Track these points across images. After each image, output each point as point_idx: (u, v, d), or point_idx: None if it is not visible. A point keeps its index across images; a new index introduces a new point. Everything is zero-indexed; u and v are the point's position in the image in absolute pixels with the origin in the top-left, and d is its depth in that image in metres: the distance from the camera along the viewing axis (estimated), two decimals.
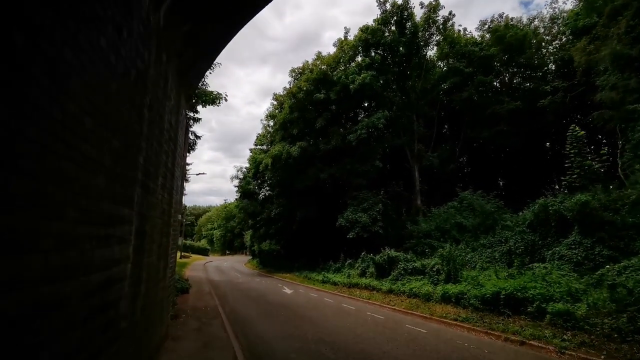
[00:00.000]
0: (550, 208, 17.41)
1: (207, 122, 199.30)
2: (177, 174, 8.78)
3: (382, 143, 29.66)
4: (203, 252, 70.52)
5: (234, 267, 44.43)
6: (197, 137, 32.87)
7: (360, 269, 21.98)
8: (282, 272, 33.57)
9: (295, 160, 30.41)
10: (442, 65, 33.73)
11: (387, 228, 26.46)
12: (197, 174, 25.56)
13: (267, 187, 41.23)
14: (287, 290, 20.69)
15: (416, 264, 17.99)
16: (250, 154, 41.53)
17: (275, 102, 37.27)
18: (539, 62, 30.68)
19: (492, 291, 11.14)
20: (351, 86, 28.18)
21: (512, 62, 30.34)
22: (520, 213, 20.18)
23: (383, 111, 27.67)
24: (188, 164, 36.93)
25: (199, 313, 12.19)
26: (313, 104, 30.61)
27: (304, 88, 30.38)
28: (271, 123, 39.89)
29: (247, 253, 66.42)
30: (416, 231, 24.22)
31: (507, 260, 17.65)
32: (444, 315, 11.71)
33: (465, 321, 10.73)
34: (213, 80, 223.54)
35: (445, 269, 15.55)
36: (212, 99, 22.89)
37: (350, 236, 25.23)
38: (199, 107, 25.88)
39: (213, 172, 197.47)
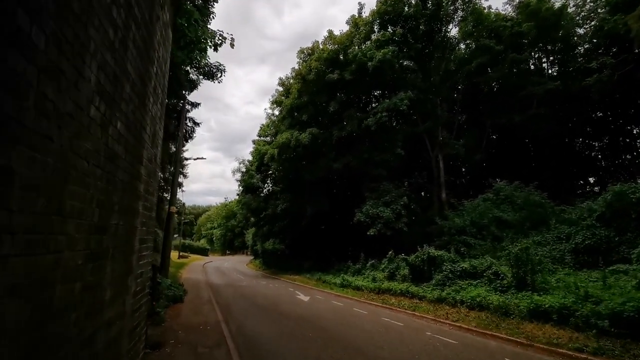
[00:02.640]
0: (632, 196, 13.80)
1: (206, 121, 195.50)
2: (157, 111, 5.03)
3: (404, 128, 25.97)
4: (202, 252, 66.54)
5: (235, 267, 40.57)
6: (196, 123, 29.14)
7: (387, 271, 18.25)
8: (289, 273, 29.76)
9: (305, 149, 26.67)
10: (464, 48, 30.08)
11: (412, 224, 22.76)
12: (195, 159, 21.66)
13: (271, 182, 37.46)
14: (302, 297, 16.93)
15: (464, 265, 14.29)
16: (253, 146, 37.73)
17: (281, 88, 33.51)
18: (576, 40, 27.09)
19: (635, 306, 7.42)
20: (369, 64, 24.49)
21: (547, 40, 26.72)
22: (585, 204, 16.54)
23: (405, 92, 23.98)
24: (186, 159, 33.15)
25: (195, 335, 8.42)
26: (325, 86, 26.89)
27: (315, 68, 26.64)
28: (276, 112, 36.15)
29: (249, 253, 62.53)
30: (447, 227, 20.57)
31: (573, 261, 14.02)
32: (553, 341, 7.92)
33: (601, 354, 7.00)
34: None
35: (513, 271, 11.84)
36: (211, 68, 19.27)
37: (371, 233, 21.51)
38: (197, 81, 22.23)
39: (212, 173, 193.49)
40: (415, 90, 25.54)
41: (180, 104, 20.02)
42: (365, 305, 14.58)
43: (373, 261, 20.81)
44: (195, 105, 28.97)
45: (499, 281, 12.34)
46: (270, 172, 36.19)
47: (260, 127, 39.09)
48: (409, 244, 21.23)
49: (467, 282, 13.44)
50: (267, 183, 37.50)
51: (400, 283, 16.22)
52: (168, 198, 20.35)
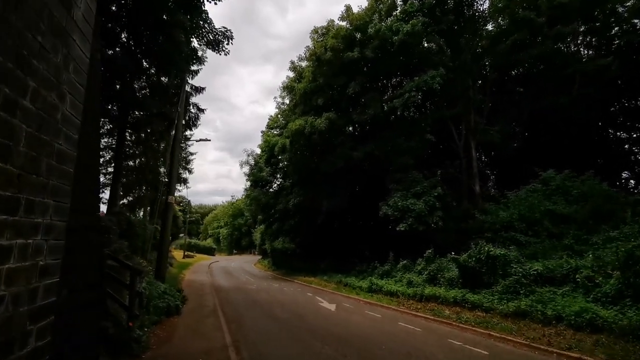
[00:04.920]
0: None
1: (212, 121, 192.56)
2: None
3: (433, 112, 22.67)
4: (209, 251, 63.45)
5: (243, 268, 37.42)
6: (200, 110, 26.18)
7: (426, 273, 14.98)
8: (302, 274, 26.51)
9: (321, 136, 23.45)
10: (495, 26, 26.70)
11: (445, 219, 19.47)
12: (197, 140, 18.67)
13: (281, 176, 34.24)
14: (327, 305, 13.70)
15: (537, 267, 10.99)
16: (262, 137, 34.53)
17: (292, 74, 30.31)
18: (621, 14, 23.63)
19: None
20: (394, 38, 21.26)
21: (594, 13, 23.30)
22: None
23: (437, 69, 20.69)
24: (187, 138, 30.04)
25: None
26: (343, 66, 23.64)
27: (332, 47, 23.43)
28: (287, 101, 32.96)
29: (256, 252, 59.36)
30: (489, 222, 17.29)
31: None
32: None
33: None
34: (216, 79, 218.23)
35: (622, 276, 8.54)
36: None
37: (402, 228, 18.24)
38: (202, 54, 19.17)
39: (218, 173, 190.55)
40: (445, 70, 22.24)
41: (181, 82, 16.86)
42: (411, 318, 11.30)
43: (405, 261, 17.56)
44: (199, 90, 25.86)
45: (598, 289, 9.03)
46: (281, 165, 33.01)
47: (269, 118, 36.00)
48: (442, 241, 18.00)
49: (547, 289, 10.14)
50: (277, 177, 34.29)
51: (447, 289, 12.93)
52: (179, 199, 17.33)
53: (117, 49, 16.27)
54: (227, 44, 16.30)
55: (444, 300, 12.17)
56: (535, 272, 10.77)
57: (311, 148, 25.29)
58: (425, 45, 24.02)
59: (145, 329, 7.65)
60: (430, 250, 15.78)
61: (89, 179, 3.75)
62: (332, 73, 24.29)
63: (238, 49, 40.96)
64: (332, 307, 13.22)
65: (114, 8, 15.03)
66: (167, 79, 19.42)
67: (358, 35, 24.15)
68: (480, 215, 18.07)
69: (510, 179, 23.80)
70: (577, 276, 9.90)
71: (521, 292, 10.38)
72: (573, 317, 8.25)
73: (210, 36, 16.14)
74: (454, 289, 12.61)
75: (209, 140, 16.78)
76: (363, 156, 22.53)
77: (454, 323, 10.06)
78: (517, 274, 10.90)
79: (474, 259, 12.29)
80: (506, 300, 10.38)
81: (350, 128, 27.54)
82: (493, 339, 8.51)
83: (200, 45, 16.84)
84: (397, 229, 18.34)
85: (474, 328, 9.38)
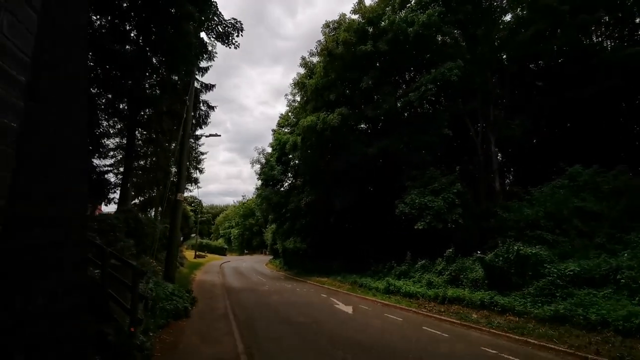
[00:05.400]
0: None
1: (222, 123, 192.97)
2: None
3: (450, 106, 21.75)
4: (220, 251, 63.20)
5: (254, 268, 36.90)
6: (211, 107, 25.74)
7: (447, 273, 14.13)
8: (314, 275, 25.80)
9: (334, 132, 22.68)
10: (513, 17, 25.61)
11: (465, 217, 18.54)
12: (208, 135, 18.20)
13: (292, 174, 33.61)
14: (343, 307, 12.96)
15: (574, 268, 10.08)
16: (273, 136, 33.95)
17: (302, 71, 29.62)
18: None
19: None
20: (410, 29, 20.45)
21: (617, 1, 22.08)
22: None
23: (455, 61, 19.79)
24: (197, 137, 29.63)
25: None
26: (356, 60, 22.90)
27: (344, 41, 22.69)
28: (297, 98, 32.32)
29: (267, 252, 58.86)
30: (512, 220, 16.35)
31: None
32: None
33: None
34: (226, 80, 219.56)
35: None
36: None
37: (420, 227, 17.39)
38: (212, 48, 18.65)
39: (229, 174, 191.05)
40: (462, 62, 21.30)
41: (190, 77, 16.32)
42: (435, 322, 10.48)
43: (423, 261, 16.71)
44: (209, 87, 25.46)
45: None
46: (292, 163, 32.41)
47: (280, 117, 35.39)
48: (462, 240, 17.10)
49: (585, 291, 9.23)
50: (288, 176, 33.67)
51: (472, 290, 12.06)
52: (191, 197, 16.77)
53: (127, 47, 15.91)
54: (237, 35, 15.68)
55: (470, 303, 11.32)
56: (571, 273, 9.86)
57: (323, 145, 24.56)
58: (440, 38, 23.18)
59: (151, 334, 7.03)
60: (450, 250, 14.93)
61: (74, 160, 3.01)
62: (344, 68, 23.56)
63: (248, 51, 40.92)
64: (349, 309, 12.48)
65: (125, 5, 14.67)
66: (177, 77, 19.03)
67: (370, 29, 23.40)
68: (503, 213, 17.12)
69: (531, 175, 22.72)
70: (618, 277, 8.98)
71: (557, 294, 9.48)
72: (621, 322, 7.36)
73: (220, 28, 15.56)
74: (480, 290, 11.75)
75: (219, 135, 16.46)
76: (377, 153, 21.73)
77: (483, 328, 9.22)
78: (552, 275, 10.00)
79: (501, 258, 11.41)
80: (541, 303, 9.49)
81: (363, 125, 26.75)
82: (531, 347, 7.66)
83: (209, 38, 16.32)
84: (415, 227, 17.51)
85: (507, 334, 8.53)
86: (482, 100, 22.32)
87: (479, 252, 13.14)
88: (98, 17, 15.09)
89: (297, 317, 10.88)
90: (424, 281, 14.87)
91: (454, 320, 10.26)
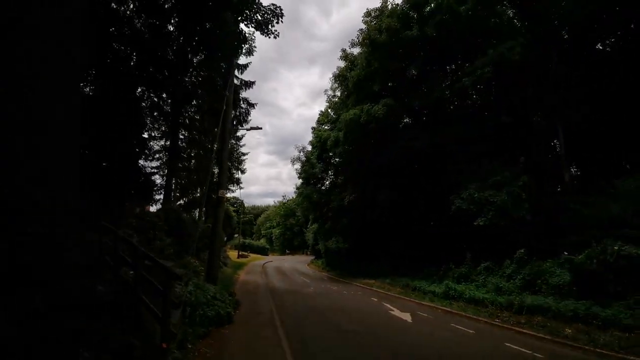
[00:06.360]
0: None
1: (262, 125, 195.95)
2: None
3: (511, 90, 19.43)
4: (262, 251, 63.33)
5: (296, 268, 36.03)
6: (251, 104, 25.10)
7: (520, 277, 12.17)
8: (359, 276, 24.31)
9: (379, 124, 21.14)
10: None
11: (534, 212, 16.29)
12: (249, 129, 17.48)
13: (332, 173, 32.34)
14: (399, 314, 11.46)
15: None
16: (313, 134, 32.89)
17: (342, 64, 28.26)
18: None
19: None
20: (462, 8, 18.51)
21: None
22: None
23: (515, 39, 17.60)
24: (239, 138, 29.27)
25: None
26: (401, 47, 21.25)
27: (387, 27, 21.11)
28: (338, 93, 31.06)
29: (309, 252, 58.08)
30: (593, 217, 13.96)
31: None
32: None
33: None
34: (264, 84, 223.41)
35: None
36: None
37: (480, 223, 15.47)
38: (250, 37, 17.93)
39: (269, 175, 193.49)
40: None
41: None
42: (517, 337, 8.70)
43: (487, 263, 14.76)
44: (249, 84, 24.84)
45: None
46: (333, 161, 31.16)
47: (320, 114, 34.27)
48: (528, 238, 14.90)
49: None
50: (329, 174, 32.44)
51: (556, 299, 10.08)
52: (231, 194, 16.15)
53: (169, 50, 15.55)
54: (277, 22, 14.67)
55: (557, 314, 9.37)
56: None
57: (366, 140, 23.07)
58: (493, 20, 20.91)
59: (189, 346, 6.03)
60: (522, 251, 12.92)
61: (64, 143, 1.72)
62: (387, 57, 21.94)
63: (284, 53, 40.37)
64: (407, 316, 10.96)
65: (167, 6, 14.25)
66: (215, 71, 18.57)
67: (415, 14, 21.63)
68: (582, 209, 14.74)
69: (605, 166, 19.91)
70: None
71: None
72: None
73: (259, 16, 14.64)
74: (569, 299, 9.74)
75: (260, 128, 15.35)
76: (424, 146, 19.90)
77: (587, 347, 7.36)
78: None
79: (595, 261, 9.39)
80: None
81: (407, 119, 24.82)
82: None
83: (248, 27, 15.45)
84: (475, 224, 15.59)
85: (625, 355, 6.67)
86: (544, 85, 19.77)
87: (565, 252, 11.09)
88: (142, 18, 14.81)
89: (349, 324, 9.55)
90: (490, 286, 12.99)
91: (543, 336, 8.42)
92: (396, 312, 11.68)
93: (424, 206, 21.97)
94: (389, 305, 13.12)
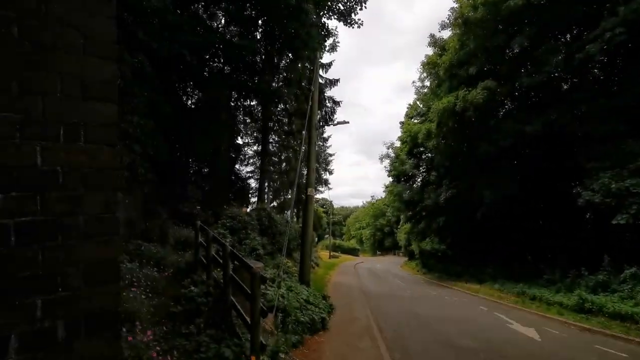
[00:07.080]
0: None
1: (347, 127, 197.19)
2: None
3: None
4: (352, 252, 62.87)
5: (389, 270, 34.56)
6: (336, 102, 24.84)
7: None
8: (460, 280, 21.92)
9: (478, 111, 18.80)
10: None
11: None
12: (335, 124, 16.95)
13: (424, 169, 30.13)
14: (521, 328, 9.55)
15: None
16: (402, 128, 31.18)
17: (431, 52, 26.09)
18: None
19: None
20: None
21: None
22: None
23: None
24: (325, 140, 29.14)
25: None
26: (501, 22, 18.62)
27: (484, 1, 18.66)
28: (427, 83, 28.90)
29: (401, 254, 55.74)
30: None
31: None
32: None
33: None
34: (347, 85, 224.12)
35: None
36: None
37: (620, 221, 12.38)
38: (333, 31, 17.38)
39: (355, 175, 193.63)
40: None
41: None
42: None
43: (633, 269, 11.71)
44: (334, 82, 24.59)
45: None
46: (425, 156, 29.06)
47: (408, 107, 32.38)
48: None
49: None
50: (421, 170, 30.32)
51: None
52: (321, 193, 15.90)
53: (257, 55, 15.91)
54: (360, 9, 13.86)
55: None
56: None
57: (464, 129, 20.75)
58: None
59: (282, 355, 5.48)
60: None
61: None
62: (485, 34, 19.43)
63: (366, 52, 39.51)
64: (532, 333, 9.03)
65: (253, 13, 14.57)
66: (302, 77, 18.63)
67: None
68: None
69: None
70: None
71: None
72: None
73: (340, 5, 14.02)
74: None
75: (348, 122, 14.54)
76: (540, 129, 16.92)
77: None
78: None
79: None
80: None
81: (509, 105, 21.57)
82: None
83: (330, 19, 14.90)
84: (614, 222, 12.54)
85: None
86: None
87: None
88: (232, 27, 15.41)
89: (460, 338, 8.16)
90: None
91: None
92: (516, 326, 9.78)
93: (540, 201, 18.83)
94: (504, 317, 11.16)
